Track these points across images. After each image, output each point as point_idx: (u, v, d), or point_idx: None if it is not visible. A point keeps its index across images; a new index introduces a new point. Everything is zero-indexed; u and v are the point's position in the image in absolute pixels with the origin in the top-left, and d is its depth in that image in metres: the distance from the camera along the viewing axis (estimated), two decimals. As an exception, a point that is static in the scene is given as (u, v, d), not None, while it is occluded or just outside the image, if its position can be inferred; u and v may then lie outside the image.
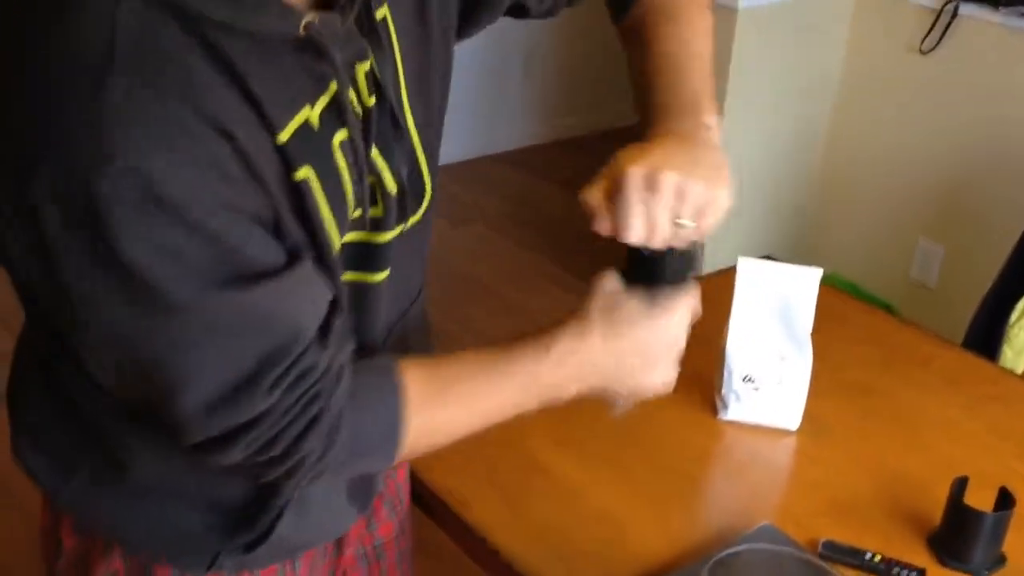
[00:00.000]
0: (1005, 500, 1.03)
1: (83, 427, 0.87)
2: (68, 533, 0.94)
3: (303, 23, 0.71)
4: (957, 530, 1.05)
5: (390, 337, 0.95)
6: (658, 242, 0.81)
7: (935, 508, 1.09)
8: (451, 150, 4.08)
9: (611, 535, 1.08)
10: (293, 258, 0.73)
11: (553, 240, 3.61)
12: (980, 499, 1.04)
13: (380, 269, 0.87)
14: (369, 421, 0.80)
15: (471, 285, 3.30)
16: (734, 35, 2.63)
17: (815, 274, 1.22)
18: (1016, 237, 2.10)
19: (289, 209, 0.74)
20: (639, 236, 0.80)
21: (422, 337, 1.05)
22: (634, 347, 0.87)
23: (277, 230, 0.73)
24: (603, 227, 0.82)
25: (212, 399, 0.71)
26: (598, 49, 4.13)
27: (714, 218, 0.82)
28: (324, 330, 0.76)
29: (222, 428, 0.73)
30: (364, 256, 0.85)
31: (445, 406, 0.84)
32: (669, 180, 0.79)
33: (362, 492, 0.99)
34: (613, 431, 1.22)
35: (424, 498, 1.14)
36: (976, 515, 1.02)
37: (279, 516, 0.89)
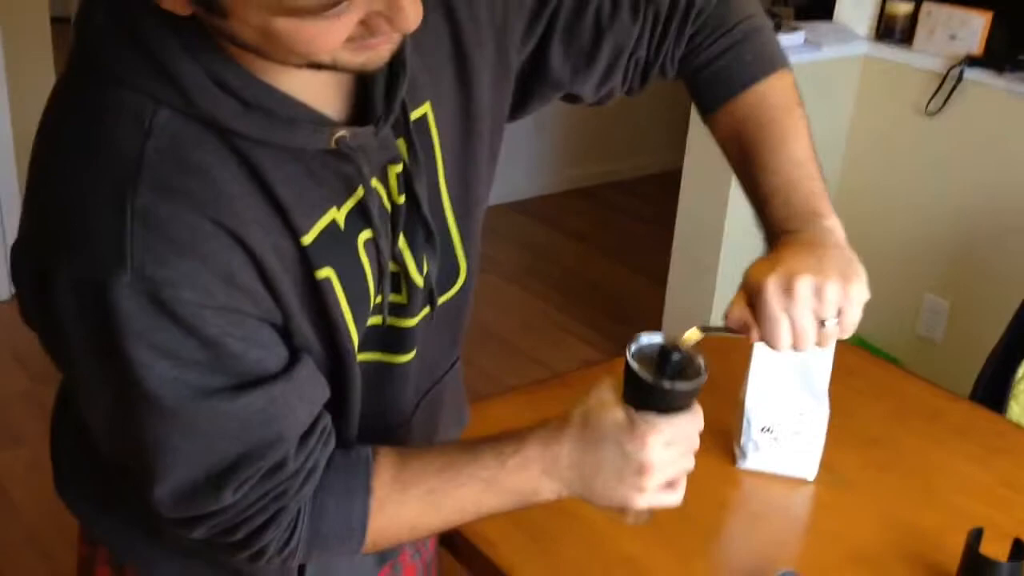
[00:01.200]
0: (1020, 550, 1.07)
1: (115, 471, 0.89)
2: (103, 564, 0.97)
3: (334, 138, 0.75)
4: (973, 580, 1.08)
5: (418, 409, 0.98)
6: (807, 346, 0.82)
7: (950, 559, 1.12)
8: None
9: (636, 579, 1.11)
10: (294, 359, 0.78)
11: (565, 290, 3.66)
12: (995, 550, 1.07)
13: (405, 351, 0.90)
14: (334, 517, 0.83)
15: (484, 334, 3.34)
16: (745, 94, 2.70)
17: (832, 329, 1.26)
18: (1021, 293, 2.14)
19: (305, 308, 0.78)
20: (787, 343, 0.82)
21: (456, 402, 1.08)
22: (598, 461, 0.84)
23: (285, 330, 0.77)
24: (754, 336, 0.83)
25: (182, 489, 0.76)
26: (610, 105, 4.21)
27: (854, 313, 0.84)
28: (306, 435, 0.80)
29: (189, 513, 0.78)
30: (388, 339, 0.88)
31: (409, 503, 0.85)
32: (805, 283, 0.81)
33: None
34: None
35: (451, 539, 1.18)
36: (993, 565, 1.05)
37: (301, 573, 0.92)
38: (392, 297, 0.86)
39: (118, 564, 0.97)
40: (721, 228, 2.80)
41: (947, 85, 2.70)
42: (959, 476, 1.32)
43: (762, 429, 1.27)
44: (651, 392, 0.84)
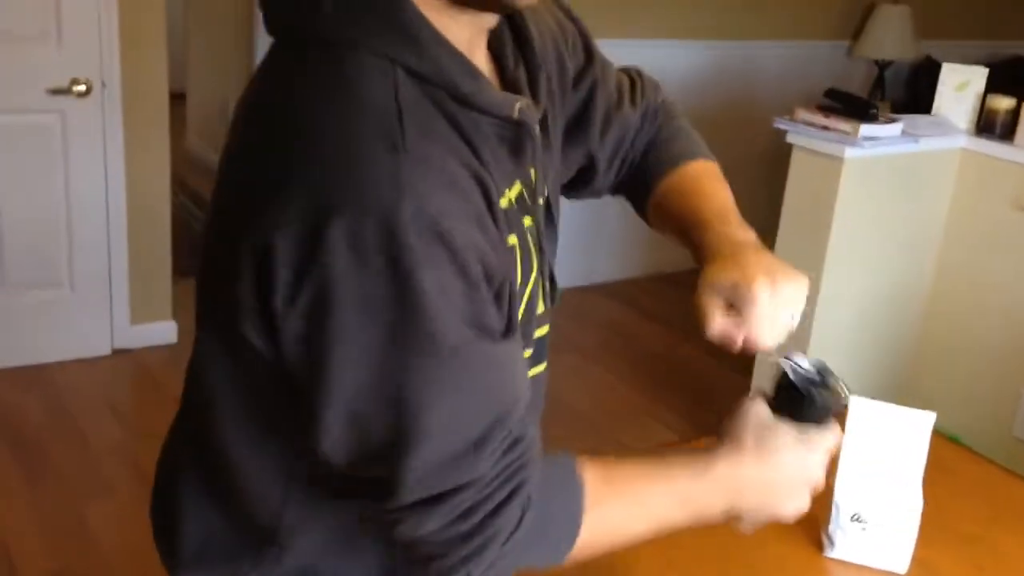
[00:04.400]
0: None
1: (249, 526, 0.88)
2: None
3: (517, 106, 0.81)
4: None
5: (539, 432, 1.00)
6: (777, 339, 0.90)
7: (1050, 664, 1.07)
8: (550, 279, 4.19)
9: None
10: (507, 329, 0.78)
11: (646, 372, 3.64)
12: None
13: (542, 360, 0.94)
14: (554, 506, 0.82)
15: (566, 414, 3.33)
16: (839, 183, 2.69)
17: (929, 418, 1.24)
18: None
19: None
20: (777, 339, 0.89)
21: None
22: (781, 477, 0.91)
23: (498, 296, 0.77)
24: (736, 339, 0.90)
25: (440, 458, 0.73)
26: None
27: (803, 305, 0.92)
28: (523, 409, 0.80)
29: (438, 489, 0.75)
30: (539, 347, 0.91)
31: (619, 505, 0.86)
32: (787, 285, 0.90)
33: None
34: (721, 560, 1.24)
35: None
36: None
37: None
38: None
39: None
40: (812, 316, 2.77)
41: (1049, 181, 2.66)
42: (1060, 580, 1.26)
43: (852, 517, 1.24)
44: (812, 406, 0.91)
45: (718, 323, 0.90)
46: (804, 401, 0.91)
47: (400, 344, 0.71)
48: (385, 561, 0.89)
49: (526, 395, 0.79)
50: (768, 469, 0.90)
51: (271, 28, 0.81)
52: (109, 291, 3.40)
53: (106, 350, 3.44)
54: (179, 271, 3.50)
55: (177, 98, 4.19)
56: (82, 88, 3.14)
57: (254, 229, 0.72)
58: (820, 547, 1.27)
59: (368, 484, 0.77)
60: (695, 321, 0.93)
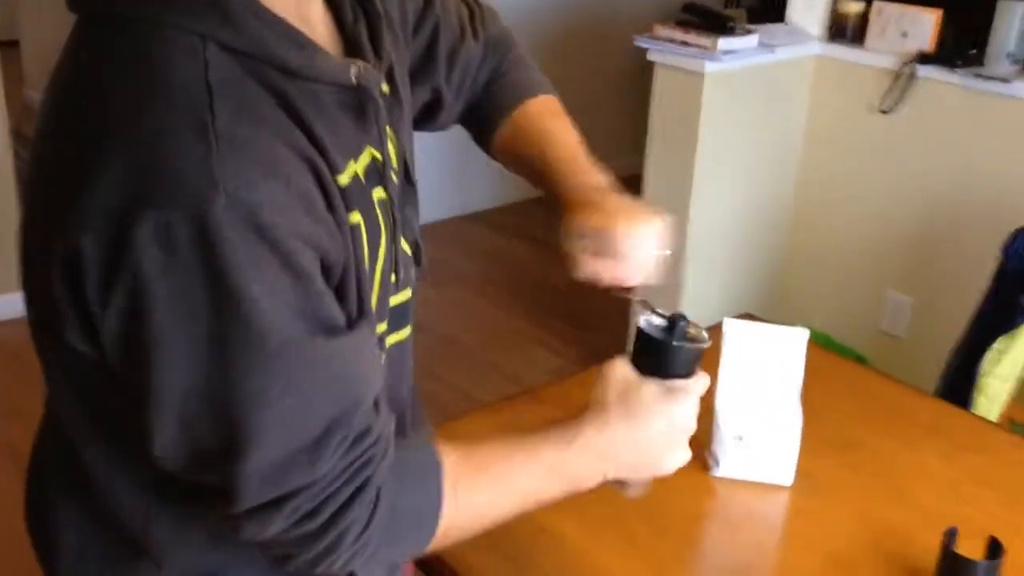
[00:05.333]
0: (995, 549, 1.07)
1: (121, 537, 0.84)
2: None
3: (353, 71, 0.77)
4: (951, 579, 1.09)
5: (413, 396, 0.98)
6: (643, 278, 0.94)
7: (927, 558, 1.12)
8: (426, 212, 4.14)
9: (616, 595, 1.10)
10: (353, 318, 0.75)
11: (528, 298, 3.66)
12: (969, 548, 1.07)
13: (404, 326, 0.91)
14: (410, 497, 0.79)
15: (450, 345, 3.32)
16: (701, 98, 2.72)
17: (803, 335, 1.27)
18: (982, 288, 2.17)
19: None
20: (645, 276, 0.93)
21: (417, 398, 1.08)
22: (652, 435, 0.90)
23: (341, 284, 0.73)
24: (606, 280, 0.94)
25: (275, 461, 0.70)
26: (567, 102, 4.23)
27: (663, 242, 0.96)
28: (378, 401, 0.77)
29: (275, 493, 0.72)
30: (398, 314, 0.88)
31: (483, 487, 0.84)
32: (647, 225, 0.93)
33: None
34: (611, 492, 1.25)
35: (427, 560, 1.16)
36: (970, 564, 1.06)
37: None
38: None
39: None
40: (684, 230, 2.81)
41: (900, 82, 2.73)
42: (930, 475, 1.33)
43: (735, 436, 1.27)
44: (674, 358, 0.91)
45: (586, 266, 0.94)
46: (665, 355, 0.90)
47: (222, 345, 0.66)
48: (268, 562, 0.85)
49: (376, 385, 0.76)
50: (637, 428, 0.89)
51: (72, 4, 0.74)
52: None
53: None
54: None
55: (9, 46, 3.91)
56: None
57: (61, 231, 0.67)
58: (706, 467, 1.30)
59: (208, 490, 0.73)
60: (564, 267, 0.95)
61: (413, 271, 0.91)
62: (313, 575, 0.79)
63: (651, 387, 0.90)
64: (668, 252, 0.95)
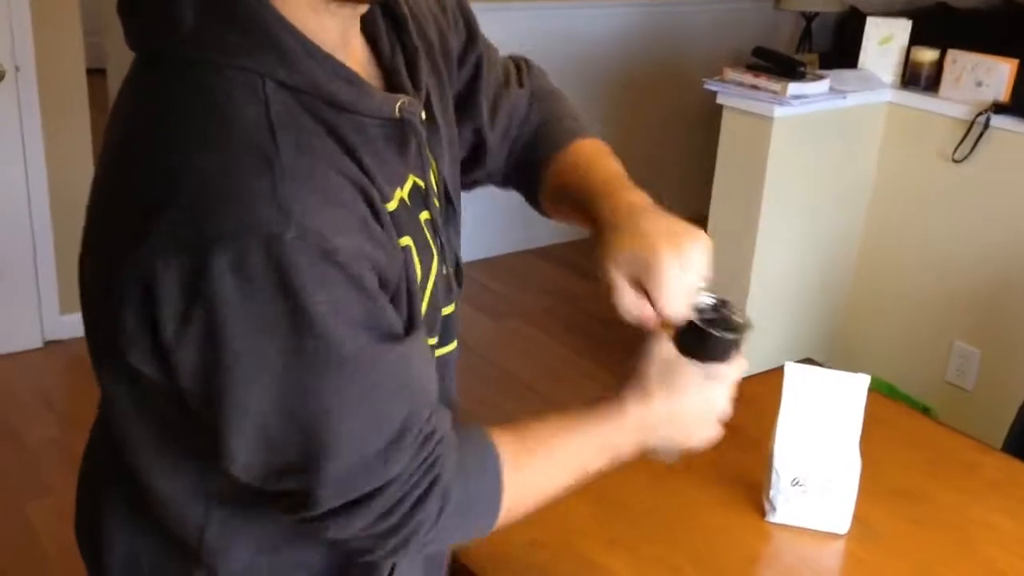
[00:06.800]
0: None
1: (173, 546, 0.87)
2: None
3: (397, 105, 0.80)
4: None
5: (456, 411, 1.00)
6: (690, 306, 0.90)
7: (986, 615, 1.10)
8: (489, 245, 4.19)
9: (666, 636, 1.10)
10: (409, 327, 0.79)
11: (588, 335, 3.65)
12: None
13: (450, 340, 0.93)
14: (474, 484, 0.83)
15: (508, 378, 3.33)
16: (770, 143, 2.71)
17: (863, 381, 1.26)
18: (1054, 343, 2.12)
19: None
20: (687, 307, 0.89)
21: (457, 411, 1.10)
22: (687, 413, 0.93)
23: (395, 298, 0.77)
24: (648, 316, 0.90)
25: (352, 466, 0.74)
26: (636, 144, 4.25)
27: (709, 262, 0.92)
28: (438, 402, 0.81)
29: (353, 496, 0.76)
30: (444, 328, 0.91)
31: (537, 467, 0.88)
32: (691, 248, 0.88)
33: (435, 566, 1.02)
34: (665, 532, 1.25)
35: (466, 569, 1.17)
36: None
37: None
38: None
39: None
40: (748, 273, 2.80)
41: (974, 132, 2.70)
42: (994, 529, 1.30)
43: (792, 482, 1.26)
44: (715, 347, 0.93)
45: (629, 303, 0.89)
46: (707, 341, 0.93)
47: (298, 363, 0.70)
48: (322, 560, 0.88)
49: (435, 389, 0.81)
50: (675, 405, 0.92)
51: (132, 43, 0.78)
52: (36, 281, 3.30)
53: (37, 342, 3.35)
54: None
55: (97, 73, 4.05)
56: (-6, 73, 3.03)
57: (131, 261, 0.70)
58: (762, 512, 1.29)
59: (286, 496, 0.77)
60: (606, 300, 0.91)
61: (455, 288, 0.93)
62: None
63: (691, 368, 0.92)
64: (707, 279, 0.92)
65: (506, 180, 1.13)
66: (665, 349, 0.93)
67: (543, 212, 1.11)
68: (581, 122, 1.11)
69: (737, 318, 0.93)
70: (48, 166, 3.24)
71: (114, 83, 5.35)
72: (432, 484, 0.79)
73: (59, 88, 3.20)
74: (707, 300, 0.93)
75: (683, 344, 0.94)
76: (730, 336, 0.92)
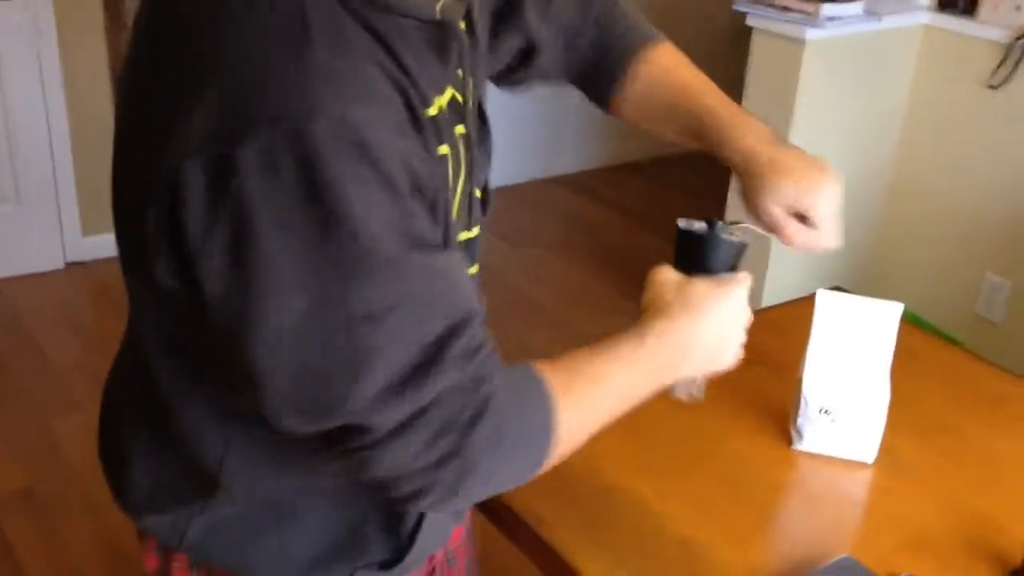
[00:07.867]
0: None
1: (194, 468, 0.86)
2: (183, 571, 0.92)
3: (439, 5, 0.77)
4: (1038, 569, 1.05)
5: None
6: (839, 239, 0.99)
7: (1014, 546, 1.09)
8: (511, 173, 4.15)
9: (691, 563, 1.09)
10: (445, 240, 0.76)
11: (607, 263, 3.63)
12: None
13: (474, 263, 0.90)
14: (527, 415, 0.78)
15: (527, 305, 3.32)
16: (801, 67, 2.65)
17: (896, 309, 1.23)
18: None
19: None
20: (837, 237, 0.98)
21: None
22: (713, 326, 0.91)
23: (433, 208, 0.74)
24: (814, 245, 0.99)
25: (394, 380, 0.69)
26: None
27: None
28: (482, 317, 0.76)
29: (402, 415, 0.70)
30: (468, 250, 0.88)
31: (586, 398, 0.84)
32: (837, 183, 0.98)
33: None
34: (691, 458, 1.24)
35: (501, 515, 1.17)
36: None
37: (418, 526, 0.89)
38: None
39: (203, 567, 0.91)
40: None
41: (1012, 57, 2.62)
42: (1022, 462, 1.28)
43: (820, 410, 1.24)
44: (718, 252, 0.95)
45: (800, 235, 0.98)
46: (710, 250, 0.94)
47: (333, 264, 0.66)
48: (347, 489, 0.86)
49: (477, 305, 0.76)
50: (699, 320, 0.90)
51: None
52: (57, 203, 3.30)
53: (59, 264, 3.36)
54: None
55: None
56: (10, -10, 2.99)
57: (159, 159, 0.67)
58: (789, 440, 1.28)
59: (332, 437, 0.72)
60: (766, 229, 1.00)
61: (479, 213, 0.90)
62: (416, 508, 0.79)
63: (701, 285, 0.91)
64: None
65: (563, 76, 1.11)
66: (671, 274, 0.93)
67: (613, 113, 1.10)
68: (645, 25, 1.10)
69: (731, 228, 0.96)
70: (65, 86, 3.21)
71: (131, 0, 5.29)
72: (484, 404, 0.73)
73: (75, 5, 3.15)
74: (697, 222, 0.96)
75: (686, 261, 0.95)
76: (731, 238, 0.94)
